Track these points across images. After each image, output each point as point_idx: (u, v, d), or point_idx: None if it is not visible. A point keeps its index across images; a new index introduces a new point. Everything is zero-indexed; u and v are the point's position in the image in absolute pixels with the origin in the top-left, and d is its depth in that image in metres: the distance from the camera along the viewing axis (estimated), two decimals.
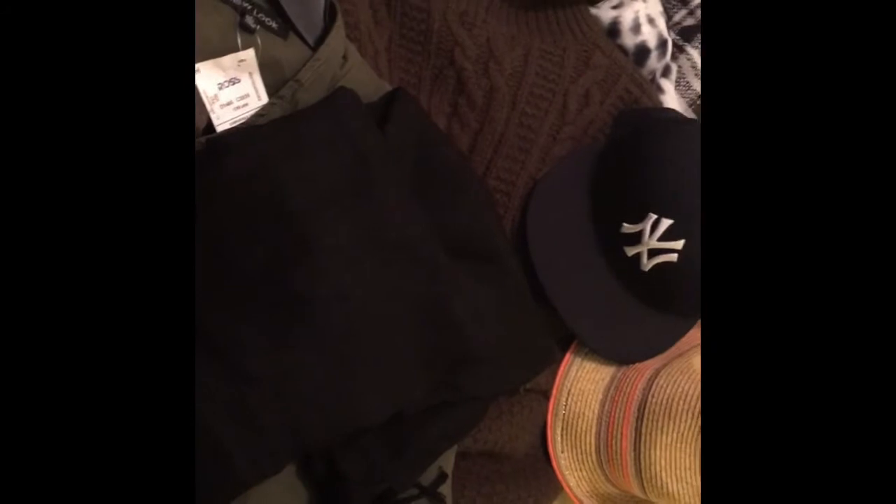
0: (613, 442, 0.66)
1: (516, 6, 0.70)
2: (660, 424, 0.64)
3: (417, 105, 0.63)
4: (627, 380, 0.68)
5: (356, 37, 0.65)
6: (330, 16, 0.60)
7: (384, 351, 0.54)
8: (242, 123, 0.56)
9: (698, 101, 0.78)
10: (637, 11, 0.73)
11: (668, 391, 0.64)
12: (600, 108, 0.72)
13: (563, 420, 0.69)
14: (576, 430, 0.68)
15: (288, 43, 0.58)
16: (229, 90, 0.55)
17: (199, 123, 0.55)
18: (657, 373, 0.67)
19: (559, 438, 0.69)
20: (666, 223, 0.63)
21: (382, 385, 0.54)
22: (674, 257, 0.63)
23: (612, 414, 0.67)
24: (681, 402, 0.63)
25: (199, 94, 0.54)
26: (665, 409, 0.64)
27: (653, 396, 0.65)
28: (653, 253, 0.64)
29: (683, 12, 0.80)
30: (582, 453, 0.69)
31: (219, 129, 0.55)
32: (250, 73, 0.56)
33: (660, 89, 0.75)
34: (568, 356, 0.70)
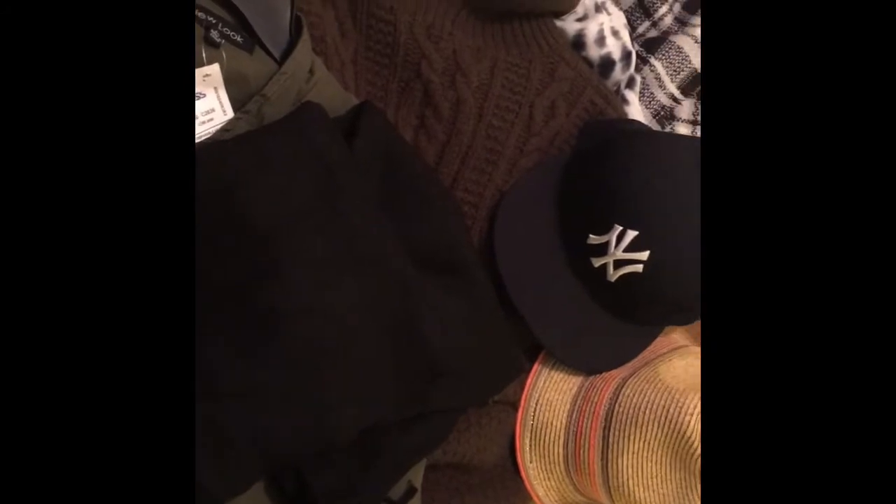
0: (581, 451, 0.67)
1: (482, 19, 0.71)
2: (627, 433, 0.64)
3: (384, 118, 0.63)
4: (594, 389, 0.68)
5: (322, 50, 0.65)
6: (296, 29, 0.59)
7: (354, 366, 0.54)
8: (208, 139, 0.55)
9: (661, 112, 0.79)
10: (602, 24, 0.74)
11: (634, 400, 0.65)
12: (566, 119, 0.73)
13: (532, 430, 0.69)
14: (544, 440, 0.69)
15: (253, 57, 0.57)
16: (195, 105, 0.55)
17: None
18: (624, 382, 0.67)
19: (528, 449, 0.70)
20: (631, 234, 0.63)
21: (352, 400, 0.54)
22: (639, 268, 0.64)
23: (580, 423, 0.68)
24: (647, 412, 0.64)
25: None
26: (632, 417, 0.65)
27: (619, 405, 0.66)
28: (619, 264, 0.65)
29: (647, 24, 0.81)
30: (550, 463, 0.69)
31: None
32: (215, 88, 0.56)
33: (625, 101, 0.76)
34: (536, 367, 0.71)
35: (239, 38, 0.56)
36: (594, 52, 0.75)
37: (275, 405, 0.52)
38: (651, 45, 0.79)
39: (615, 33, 0.75)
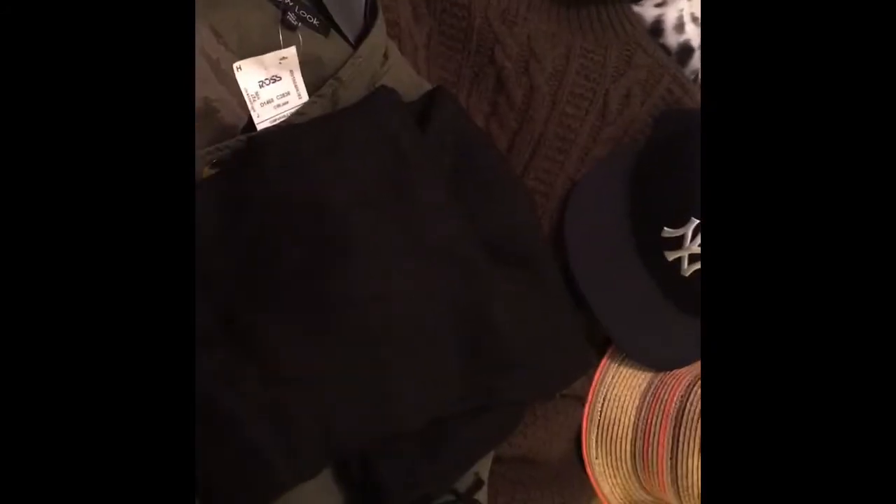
0: (650, 449, 0.66)
1: (558, 3, 0.69)
2: (698, 433, 0.63)
3: (458, 104, 0.62)
4: (665, 386, 0.67)
5: (396, 34, 0.64)
6: (370, 13, 0.59)
7: (421, 354, 0.54)
8: (282, 122, 0.55)
9: None
10: (681, 10, 0.72)
11: None
12: (641, 108, 0.71)
13: (599, 426, 0.68)
14: (611, 437, 0.67)
15: (329, 40, 0.57)
16: (270, 88, 0.55)
17: (240, 121, 0.55)
18: (696, 380, 0.66)
19: (594, 444, 0.68)
20: None
21: (419, 389, 0.54)
22: None
23: (649, 421, 0.66)
24: None
25: (240, 91, 0.54)
26: None
27: (691, 405, 0.64)
28: (694, 258, 0.63)
29: None
30: (617, 460, 0.68)
31: (259, 127, 0.55)
32: (291, 71, 0.55)
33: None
34: (604, 361, 0.69)
35: (315, 21, 0.56)
36: (672, 39, 0.72)
37: (341, 390, 0.52)
38: None
39: (695, 20, 0.72)
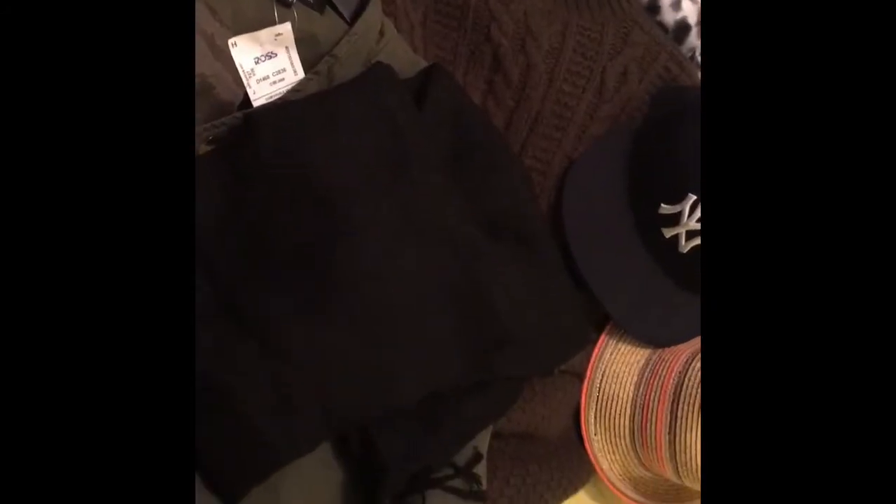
0: (648, 425, 0.66)
1: None
2: (696, 408, 0.63)
3: (454, 81, 0.62)
4: (663, 363, 0.67)
5: (391, 11, 0.64)
6: None
7: (419, 331, 0.54)
8: (279, 99, 0.55)
9: None
10: None
11: None
12: (639, 86, 0.70)
13: (597, 402, 0.68)
14: (609, 413, 0.68)
15: (324, 17, 0.57)
16: (266, 64, 0.55)
17: (236, 98, 0.55)
18: (693, 356, 0.66)
19: (592, 421, 0.69)
20: None
21: (417, 365, 0.54)
22: None
23: (647, 397, 0.66)
24: None
25: (235, 67, 0.54)
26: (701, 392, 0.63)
27: (689, 380, 0.64)
28: (691, 234, 0.63)
29: None
30: (615, 436, 0.68)
31: (255, 103, 0.55)
32: (287, 48, 0.55)
33: (700, 67, 0.73)
34: (602, 338, 0.69)
35: None
36: (669, 16, 0.72)
37: (339, 366, 0.52)
38: None
39: None
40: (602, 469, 0.69)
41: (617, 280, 0.66)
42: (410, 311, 0.54)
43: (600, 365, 0.68)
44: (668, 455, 0.65)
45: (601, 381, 0.68)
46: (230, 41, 0.53)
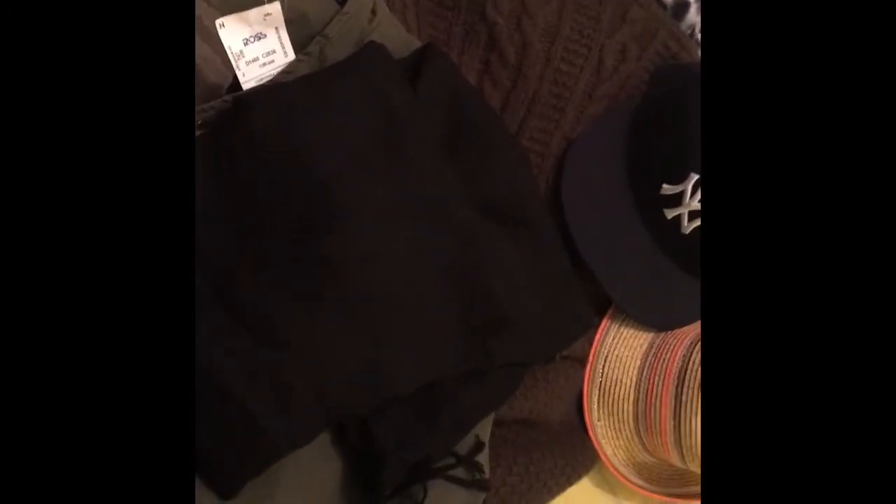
0: (652, 410, 0.65)
1: None
2: (700, 392, 0.62)
3: (449, 61, 0.60)
4: (666, 346, 0.66)
5: None
6: None
7: (416, 317, 0.53)
8: (269, 81, 0.54)
9: None
10: None
11: None
12: (637, 64, 0.69)
13: (600, 387, 0.67)
14: (613, 398, 0.67)
15: None
16: (255, 46, 0.53)
17: (225, 81, 0.53)
18: (698, 339, 0.65)
19: (595, 406, 0.67)
20: None
21: (414, 352, 0.53)
22: None
23: (651, 381, 0.65)
24: None
25: (224, 50, 0.52)
26: None
27: (693, 363, 0.63)
28: (693, 215, 0.62)
29: None
30: (619, 421, 0.67)
31: (245, 86, 0.54)
32: (276, 28, 0.54)
33: (699, 44, 0.72)
34: (605, 322, 0.68)
35: None
36: None
37: (336, 354, 0.51)
38: None
39: None
40: (606, 455, 0.68)
41: (618, 262, 0.65)
42: (407, 295, 0.53)
43: (603, 350, 0.67)
44: (672, 440, 0.64)
45: (604, 366, 0.67)
46: (217, 22, 0.51)
